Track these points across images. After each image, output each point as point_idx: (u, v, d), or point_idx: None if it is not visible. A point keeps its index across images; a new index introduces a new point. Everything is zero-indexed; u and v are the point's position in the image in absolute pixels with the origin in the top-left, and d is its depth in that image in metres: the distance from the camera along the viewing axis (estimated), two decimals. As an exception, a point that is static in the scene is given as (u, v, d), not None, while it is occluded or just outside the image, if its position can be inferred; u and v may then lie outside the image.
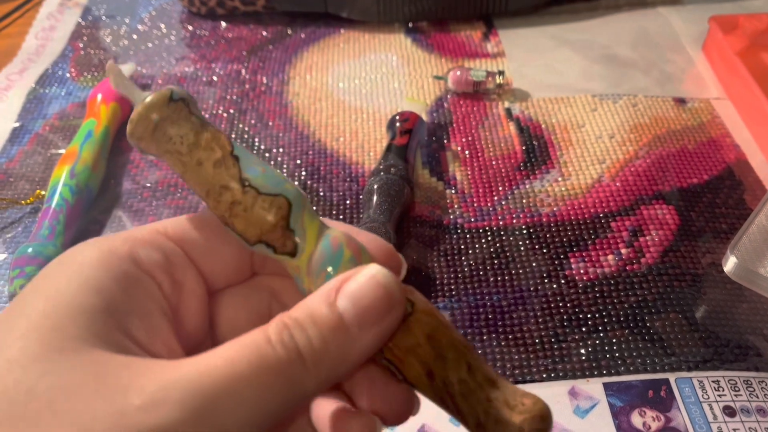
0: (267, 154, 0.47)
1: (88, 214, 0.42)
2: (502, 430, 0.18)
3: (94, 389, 0.15)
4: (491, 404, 0.18)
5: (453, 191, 0.43)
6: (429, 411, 0.31)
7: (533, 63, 0.54)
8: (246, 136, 0.48)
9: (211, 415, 0.15)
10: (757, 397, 0.31)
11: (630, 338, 0.34)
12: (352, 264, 0.18)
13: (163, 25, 0.61)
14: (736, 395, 0.32)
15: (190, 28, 0.60)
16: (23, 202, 0.43)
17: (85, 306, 0.16)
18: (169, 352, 0.18)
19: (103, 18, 0.62)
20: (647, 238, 0.39)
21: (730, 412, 0.31)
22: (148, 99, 0.19)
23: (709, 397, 0.31)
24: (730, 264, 0.36)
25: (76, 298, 0.16)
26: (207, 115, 0.50)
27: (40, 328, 0.15)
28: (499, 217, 0.41)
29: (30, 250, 0.36)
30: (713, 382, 0.32)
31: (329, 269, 0.18)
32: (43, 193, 0.42)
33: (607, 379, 0.33)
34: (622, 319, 0.35)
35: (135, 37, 0.59)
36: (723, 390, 0.32)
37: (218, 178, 0.19)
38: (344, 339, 0.17)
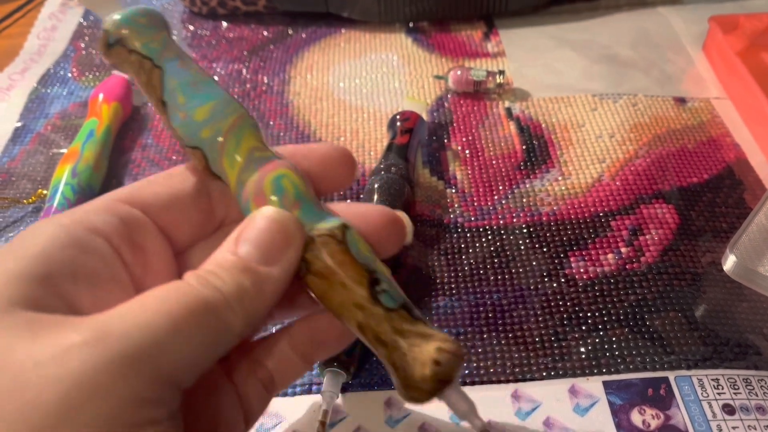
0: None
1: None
2: (414, 359, 0.18)
3: (30, 340, 0.15)
4: (404, 333, 0.19)
5: (453, 190, 0.43)
6: (428, 408, 0.31)
7: (534, 63, 0.54)
8: (247, 135, 0.48)
9: (154, 350, 0.15)
10: (756, 396, 0.31)
11: (630, 337, 0.34)
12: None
13: (164, 25, 0.61)
14: (735, 393, 0.32)
15: (192, 28, 0.60)
16: (25, 201, 0.43)
17: (23, 273, 0.17)
18: None
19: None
20: (647, 237, 0.39)
21: (729, 410, 0.31)
22: (99, 41, 0.20)
23: (708, 396, 0.32)
24: (729, 263, 0.36)
25: (18, 267, 0.17)
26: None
27: None
28: (500, 216, 0.41)
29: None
30: (713, 380, 0.32)
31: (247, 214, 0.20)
32: (45, 192, 0.43)
33: (606, 378, 0.33)
34: (621, 317, 0.35)
35: (136, 37, 0.59)
36: (722, 388, 0.32)
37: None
38: (255, 277, 0.18)
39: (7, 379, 0.15)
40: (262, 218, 0.19)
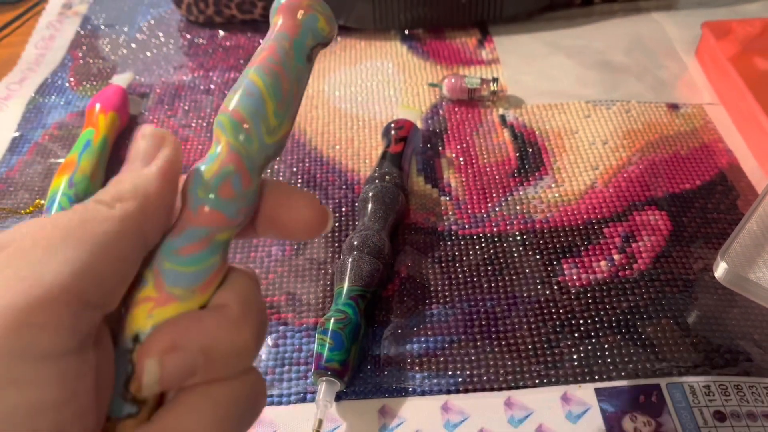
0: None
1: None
2: None
3: None
4: None
5: (447, 198, 0.43)
6: (423, 416, 0.32)
7: (528, 69, 0.54)
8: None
9: (58, 288, 0.15)
10: (748, 402, 0.32)
11: (622, 344, 0.35)
12: None
13: (161, 34, 0.61)
14: (726, 400, 0.32)
15: (188, 36, 0.60)
16: (23, 211, 0.44)
17: None
18: None
19: (102, 27, 0.63)
20: (639, 243, 0.40)
21: (720, 417, 0.31)
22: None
23: (699, 402, 0.32)
24: (720, 270, 0.36)
25: None
26: (204, 124, 0.51)
27: None
28: (493, 224, 0.41)
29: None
30: (704, 387, 0.32)
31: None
32: (42, 202, 0.43)
33: (599, 385, 0.33)
34: (614, 324, 0.36)
35: (133, 45, 0.60)
36: (713, 395, 0.32)
37: None
38: (133, 176, 0.18)
39: None
40: (139, 136, 0.20)
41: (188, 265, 0.18)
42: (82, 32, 0.62)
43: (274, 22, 0.21)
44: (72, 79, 0.56)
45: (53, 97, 0.54)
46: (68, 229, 0.16)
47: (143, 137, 0.20)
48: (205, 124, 0.51)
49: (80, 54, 0.59)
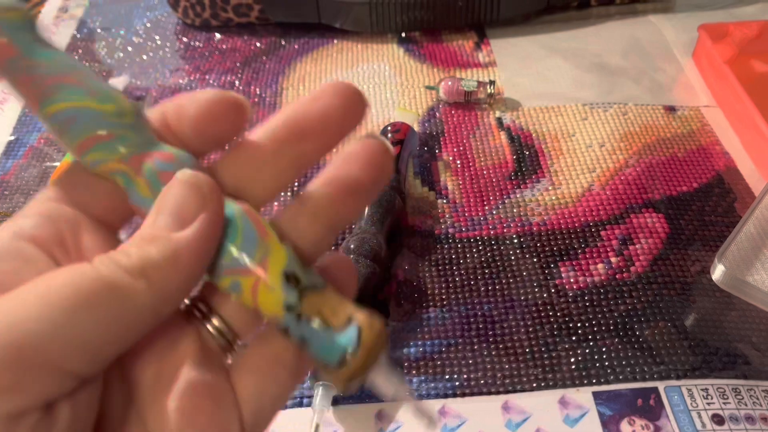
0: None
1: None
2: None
3: None
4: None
5: (445, 201, 0.43)
6: (420, 421, 0.31)
7: (524, 72, 0.54)
8: (239, 147, 0.49)
9: (36, 339, 0.14)
10: (746, 405, 0.32)
11: (619, 347, 0.35)
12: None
13: (157, 37, 0.61)
14: (724, 403, 0.32)
15: (185, 39, 0.60)
16: (18, 215, 0.44)
17: None
18: None
19: (98, 30, 0.62)
20: (637, 246, 0.40)
21: (718, 420, 0.31)
22: None
23: (698, 406, 0.32)
24: (718, 272, 0.36)
25: None
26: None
27: None
28: (490, 227, 0.41)
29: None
30: (702, 390, 0.32)
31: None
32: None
33: (596, 388, 0.33)
34: (611, 327, 0.35)
35: (130, 49, 0.60)
36: (712, 398, 0.32)
37: None
38: (164, 245, 0.16)
39: None
40: (176, 182, 0.17)
41: None
42: (79, 36, 0.62)
43: None
44: (68, 83, 0.56)
45: (49, 100, 0.54)
46: (66, 304, 0.15)
47: (181, 185, 0.17)
48: (201, 128, 0.50)
49: (76, 57, 0.59)
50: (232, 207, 0.18)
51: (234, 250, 0.17)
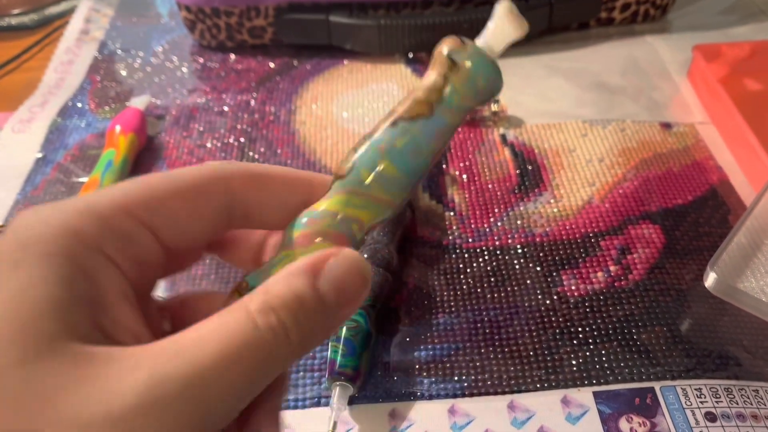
0: (276, 180, 0.49)
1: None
2: None
3: (80, 382, 0.14)
4: None
5: (452, 213, 0.46)
6: (431, 419, 0.34)
7: (527, 91, 0.57)
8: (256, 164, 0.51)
9: (201, 403, 0.15)
10: (737, 404, 0.34)
11: (618, 350, 0.37)
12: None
13: (175, 58, 0.64)
14: (717, 402, 0.34)
15: (201, 60, 0.63)
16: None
17: (55, 299, 0.15)
18: (134, 337, 0.17)
19: (119, 52, 0.65)
20: (634, 255, 0.42)
21: (711, 417, 0.33)
22: None
23: (692, 404, 0.34)
24: (710, 280, 0.38)
25: (44, 291, 0.15)
26: (219, 144, 0.53)
27: (13, 332, 0.14)
28: (495, 238, 0.44)
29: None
30: (696, 389, 0.34)
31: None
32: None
33: (596, 388, 0.35)
34: (610, 332, 0.38)
35: (149, 69, 0.63)
36: (705, 397, 0.34)
37: None
38: (326, 319, 0.17)
39: None
40: (345, 259, 0.18)
41: None
42: (100, 57, 0.65)
43: None
44: (91, 102, 0.59)
45: (74, 119, 0.57)
46: (248, 369, 0.16)
47: (350, 262, 0.18)
48: (219, 144, 0.53)
49: (98, 78, 0.62)
50: None
51: None
